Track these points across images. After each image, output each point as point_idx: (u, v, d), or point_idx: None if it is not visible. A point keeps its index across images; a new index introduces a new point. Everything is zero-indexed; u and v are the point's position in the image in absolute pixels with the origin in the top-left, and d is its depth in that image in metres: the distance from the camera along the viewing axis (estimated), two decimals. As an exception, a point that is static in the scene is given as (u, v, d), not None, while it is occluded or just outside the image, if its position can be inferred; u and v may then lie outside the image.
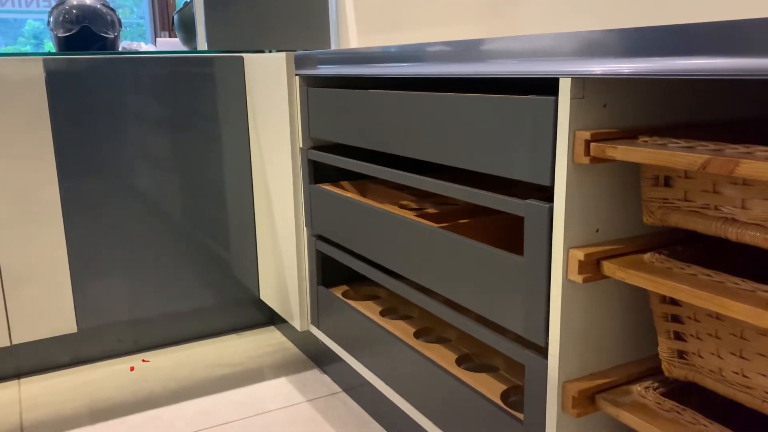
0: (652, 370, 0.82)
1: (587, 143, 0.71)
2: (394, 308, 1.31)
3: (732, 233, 0.64)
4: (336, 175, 1.40)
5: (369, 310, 1.28)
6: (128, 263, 1.55)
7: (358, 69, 1.13)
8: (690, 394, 0.78)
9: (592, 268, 0.74)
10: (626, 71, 0.65)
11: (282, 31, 2.03)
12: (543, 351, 0.82)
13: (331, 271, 1.43)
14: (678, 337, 0.74)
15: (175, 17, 2.15)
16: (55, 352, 1.61)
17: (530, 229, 0.79)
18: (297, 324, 1.50)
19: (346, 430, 1.31)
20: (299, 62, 1.33)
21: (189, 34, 2.08)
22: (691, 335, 0.72)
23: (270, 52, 1.48)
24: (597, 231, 0.77)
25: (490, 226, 1.07)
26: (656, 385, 0.78)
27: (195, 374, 1.56)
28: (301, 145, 1.38)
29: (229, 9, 1.95)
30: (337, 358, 1.47)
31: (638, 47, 0.64)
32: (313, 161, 1.36)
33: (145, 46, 2.35)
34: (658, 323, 0.75)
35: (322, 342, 1.53)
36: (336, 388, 1.47)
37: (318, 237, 1.39)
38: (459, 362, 1.06)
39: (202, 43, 1.93)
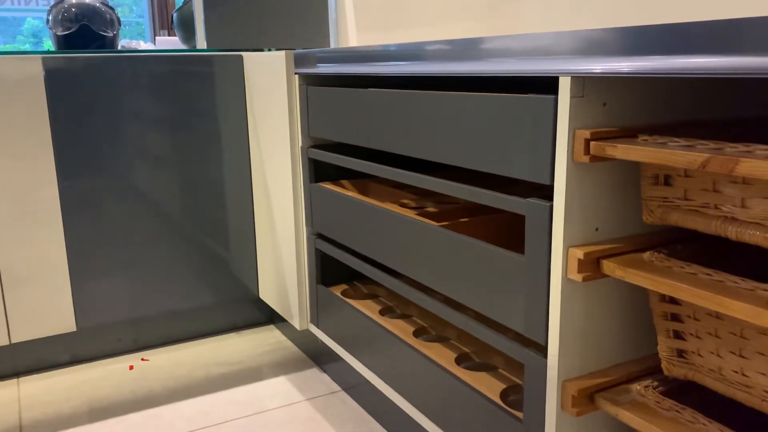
0: (651, 369, 0.82)
1: (587, 142, 0.71)
2: (393, 307, 1.31)
3: (732, 232, 0.64)
4: (336, 174, 1.40)
5: (368, 309, 1.28)
6: (127, 262, 1.55)
7: (358, 67, 1.13)
8: (689, 393, 0.78)
9: (591, 266, 0.74)
10: (626, 70, 0.65)
11: (281, 29, 2.03)
12: (542, 350, 0.82)
13: (330, 270, 1.43)
14: (677, 335, 0.74)
15: (175, 16, 2.15)
16: (55, 350, 1.61)
17: (531, 227, 0.79)
18: (296, 323, 1.50)
19: (346, 429, 1.31)
20: (299, 61, 1.33)
21: (188, 33, 2.08)
22: (691, 334, 0.72)
23: (269, 50, 1.48)
24: (597, 230, 0.77)
25: (490, 225, 1.07)
26: (655, 384, 0.78)
27: (194, 373, 1.56)
28: (300, 144, 1.38)
29: (228, 7, 1.94)
30: (337, 357, 1.47)
31: (638, 46, 0.64)
32: (313, 160, 1.36)
33: (144, 45, 2.34)
34: (657, 322, 0.75)
35: (321, 341, 1.53)
36: (335, 386, 1.47)
37: (317, 236, 1.39)
38: (458, 361, 1.06)
39: (201, 42, 1.93)
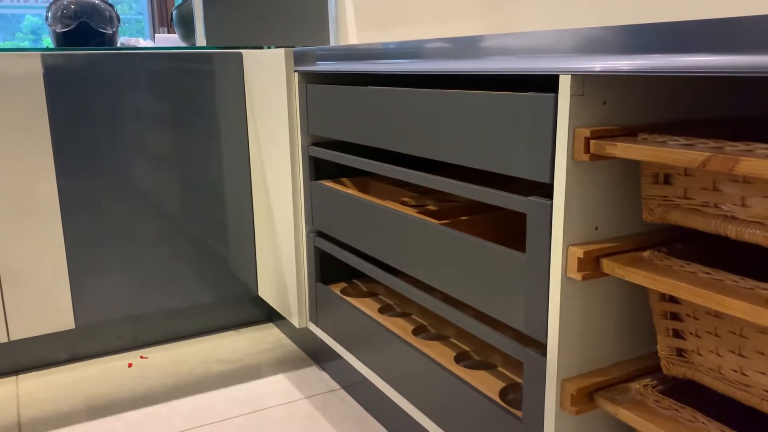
0: (650, 368, 0.82)
1: (587, 140, 0.71)
2: (392, 305, 1.31)
3: (731, 231, 0.64)
4: (336, 172, 1.40)
5: (368, 307, 1.28)
6: (126, 260, 1.55)
7: (357, 65, 1.13)
8: (688, 392, 0.78)
9: (591, 265, 0.74)
10: (626, 68, 0.65)
11: (281, 27, 2.03)
12: (542, 348, 0.82)
13: (329, 268, 1.43)
14: (677, 334, 0.74)
15: (174, 13, 2.15)
16: (53, 348, 1.61)
17: (532, 226, 0.79)
18: (295, 321, 1.50)
19: (344, 427, 1.31)
20: (298, 58, 1.33)
21: (188, 30, 2.07)
22: (690, 333, 0.72)
23: (269, 48, 1.48)
24: (596, 228, 0.77)
25: (490, 223, 1.07)
26: (655, 382, 0.78)
27: (193, 371, 1.56)
28: (300, 142, 1.38)
29: (227, 5, 1.94)
30: (336, 355, 1.47)
31: (638, 44, 0.64)
32: (313, 158, 1.36)
33: (143, 42, 2.34)
34: (657, 321, 0.75)
35: (320, 339, 1.53)
36: (334, 385, 1.47)
37: (317, 234, 1.39)
38: (457, 359, 1.06)
39: (200, 39, 1.92)
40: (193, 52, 1.54)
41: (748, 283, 0.62)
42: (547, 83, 0.91)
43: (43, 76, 1.39)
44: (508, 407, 0.90)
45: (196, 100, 1.56)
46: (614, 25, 0.67)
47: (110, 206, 1.51)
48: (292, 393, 1.44)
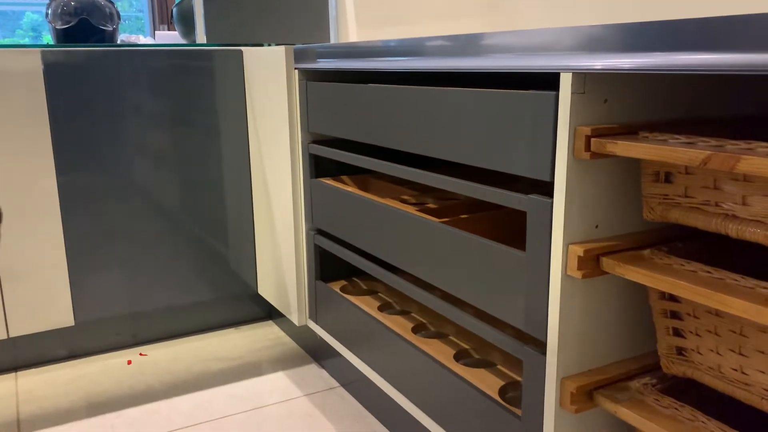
0: (650, 367, 0.82)
1: (588, 139, 0.71)
2: (392, 303, 1.31)
3: (732, 230, 0.64)
4: (336, 170, 1.40)
5: (367, 305, 1.28)
6: (126, 257, 1.55)
7: (358, 63, 1.12)
8: (688, 391, 0.78)
9: (591, 264, 0.74)
10: (627, 66, 0.65)
11: (281, 24, 2.03)
12: (541, 346, 0.82)
13: (329, 266, 1.43)
14: (677, 333, 0.74)
15: (174, 10, 2.14)
16: (53, 345, 1.61)
17: (533, 224, 0.79)
18: (295, 319, 1.50)
19: (344, 425, 1.31)
20: (298, 56, 1.33)
21: (188, 28, 2.07)
22: (690, 332, 0.72)
23: (269, 45, 1.47)
24: (597, 227, 0.77)
25: (490, 221, 1.07)
26: (654, 381, 0.78)
27: (192, 368, 1.56)
28: (300, 140, 1.38)
29: (228, 2, 1.94)
30: (335, 353, 1.47)
31: (639, 43, 0.64)
32: (313, 155, 1.36)
33: (143, 39, 2.34)
34: (657, 320, 0.75)
35: (320, 337, 1.53)
36: (334, 382, 1.47)
37: (317, 231, 1.39)
38: (457, 358, 1.06)
39: (201, 37, 1.92)
40: (193, 49, 1.54)
41: (749, 281, 0.62)
42: (548, 81, 0.91)
43: (43, 73, 1.39)
44: (507, 405, 0.90)
45: (196, 97, 1.55)
46: (615, 23, 0.67)
47: (110, 203, 1.51)
48: (292, 390, 1.44)
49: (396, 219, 1.08)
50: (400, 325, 1.18)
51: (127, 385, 1.49)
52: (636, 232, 0.80)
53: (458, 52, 0.88)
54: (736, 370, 0.68)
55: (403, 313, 1.26)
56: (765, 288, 0.61)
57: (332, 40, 2.15)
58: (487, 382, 0.97)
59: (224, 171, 1.62)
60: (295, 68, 1.35)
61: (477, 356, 1.09)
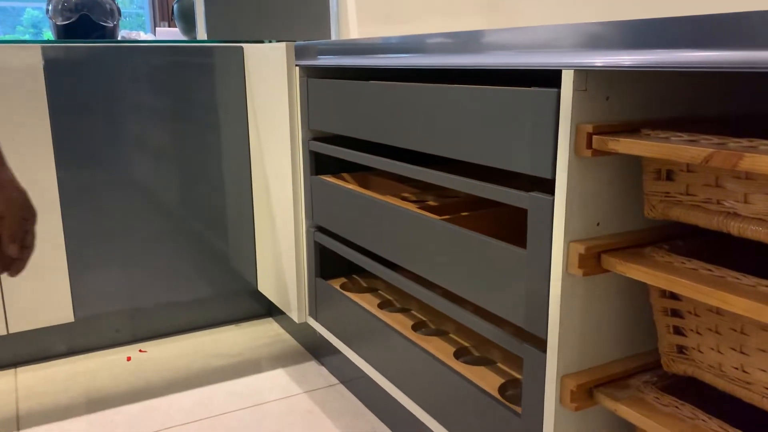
0: (650, 365, 0.82)
1: (589, 136, 0.71)
2: (392, 301, 1.31)
3: (734, 228, 0.64)
4: (337, 167, 1.39)
5: (367, 302, 1.28)
6: (125, 253, 1.54)
7: (359, 60, 1.12)
8: (688, 389, 0.78)
9: (592, 261, 0.74)
10: (628, 63, 0.65)
11: (282, 21, 2.02)
12: (541, 344, 0.82)
13: (329, 263, 1.43)
14: (678, 331, 0.74)
15: (175, 7, 2.14)
16: (52, 341, 1.61)
17: (533, 221, 0.79)
18: (295, 316, 1.49)
19: (343, 422, 1.31)
20: (299, 53, 1.33)
21: (189, 24, 2.07)
22: (691, 330, 0.72)
23: (270, 42, 1.47)
24: (598, 224, 0.77)
25: (490, 218, 1.07)
26: (655, 379, 0.78)
27: (192, 365, 1.56)
28: (301, 136, 1.38)
29: (229, -1, 1.93)
30: (335, 350, 1.47)
31: (640, 39, 0.63)
32: (314, 152, 1.36)
33: (144, 36, 2.33)
34: (657, 318, 0.75)
35: (319, 334, 1.53)
36: (333, 380, 1.47)
37: (317, 228, 1.39)
38: (457, 355, 1.06)
39: (201, 33, 1.92)
40: (193, 45, 1.54)
41: (750, 280, 0.62)
42: (549, 79, 0.91)
43: (44, 68, 1.39)
44: (507, 403, 0.90)
45: (196, 94, 1.55)
46: (615, 20, 0.66)
47: (110, 199, 1.51)
48: (292, 387, 1.44)
49: (396, 216, 1.08)
50: (400, 322, 1.18)
51: (127, 381, 1.49)
52: (637, 229, 0.80)
53: (459, 49, 0.88)
54: (737, 368, 0.67)
55: (403, 310, 1.26)
56: (766, 286, 0.61)
57: (333, 37, 2.14)
58: (487, 380, 0.97)
59: (224, 168, 1.62)
60: (296, 65, 1.35)
61: (477, 354, 1.09)
